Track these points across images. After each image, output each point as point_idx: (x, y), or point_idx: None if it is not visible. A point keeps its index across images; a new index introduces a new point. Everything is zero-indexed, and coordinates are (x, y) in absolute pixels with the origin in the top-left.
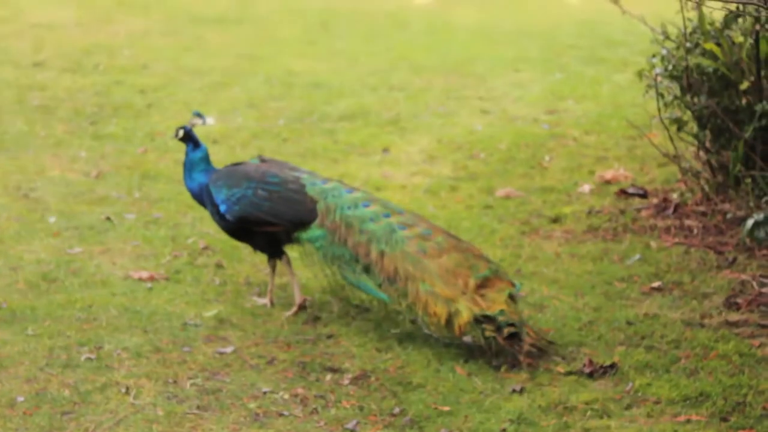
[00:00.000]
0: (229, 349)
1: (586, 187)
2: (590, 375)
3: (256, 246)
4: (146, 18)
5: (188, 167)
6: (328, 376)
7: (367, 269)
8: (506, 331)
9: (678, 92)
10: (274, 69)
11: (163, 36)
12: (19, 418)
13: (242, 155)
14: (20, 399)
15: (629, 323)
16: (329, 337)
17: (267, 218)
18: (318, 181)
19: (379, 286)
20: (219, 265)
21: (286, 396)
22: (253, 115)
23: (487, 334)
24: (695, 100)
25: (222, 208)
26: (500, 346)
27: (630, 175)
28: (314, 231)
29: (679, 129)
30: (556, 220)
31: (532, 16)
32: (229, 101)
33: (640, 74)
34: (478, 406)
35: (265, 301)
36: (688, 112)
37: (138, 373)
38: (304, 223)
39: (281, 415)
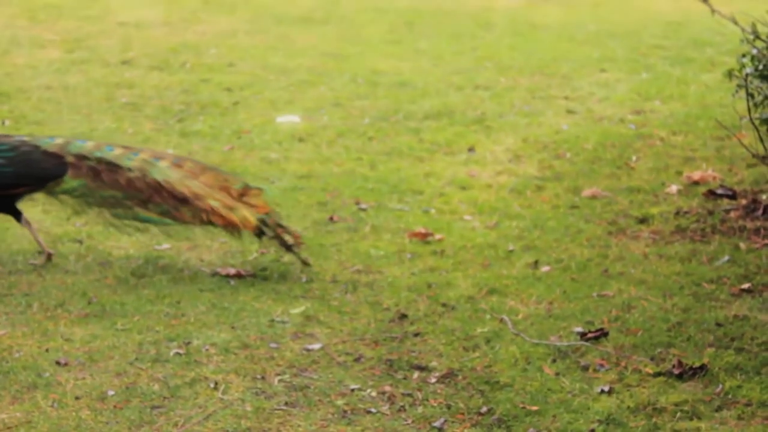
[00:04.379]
0: (316, 346)
1: (673, 188)
2: (679, 376)
3: None
4: (232, 17)
5: None
6: (416, 374)
7: (145, 202)
8: (279, 231)
9: None
10: (359, 68)
11: (249, 35)
12: (109, 411)
13: (328, 154)
14: (111, 392)
15: (719, 325)
16: (416, 335)
17: (13, 182)
18: (46, 138)
19: (162, 213)
20: (305, 263)
21: (374, 393)
22: (338, 113)
23: (270, 234)
24: None
25: None
26: (282, 244)
27: (718, 176)
28: (70, 183)
29: None
30: (643, 220)
31: (617, 16)
32: (315, 100)
33: (729, 74)
34: (566, 406)
35: (41, 260)
36: None
37: (226, 368)
38: (54, 178)
39: (369, 412)
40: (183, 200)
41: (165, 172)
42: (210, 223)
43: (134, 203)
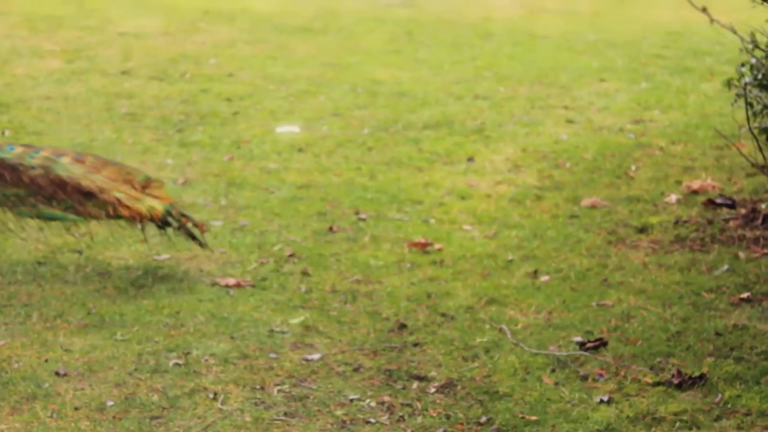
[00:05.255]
0: (315, 356)
1: (672, 197)
2: (679, 386)
3: None
4: (232, 27)
5: None
6: (415, 384)
7: (49, 199)
8: (184, 220)
9: (767, 102)
10: (358, 78)
11: (248, 45)
12: (108, 422)
13: (327, 164)
14: (110, 403)
15: (718, 334)
16: (415, 345)
17: None
18: None
19: (66, 209)
20: (305, 273)
21: (373, 404)
22: (338, 123)
23: (175, 225)
24: None
25: None
26: (188, 232)
27: (717, 185)
28: None
29: None
30: (642, 230)
31: (616, 26)
32: (314, 110)
33: (728, 83)
34: (565, 416)
35: None
36: None
37: (225, 379)
38: None
39: (368, 422)
40: (88, 194)
41: (68, 168)
42: (117, 216)
43: (38, 200)
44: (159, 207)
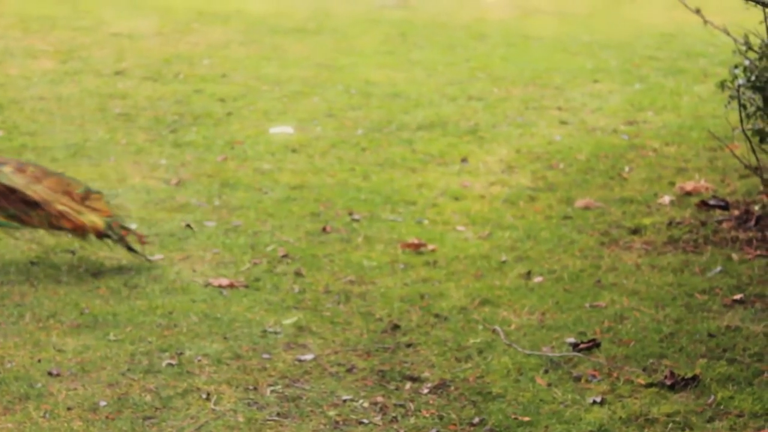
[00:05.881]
0: (308, 357)
1: (666, 199)
2: (671, 387)
3: None
4: (226, 28)
5: None
6: (408, 385)
7: None
8: (124, 233)
9: (761, 103)
10: (352, 79)
11: (242, 46)
12: (101, 422)
13: (321, 164)
14: (103, 403)
15: (711, 335)
16: (408, 345)
17: None
18: None
19: (9, 217)
20: (298, 273)
21: (366, 404)
22: (331, 124)
23: (115, 237)
24: None
25: None
26: (127, 245)
27: (711, 187)
28: None
29: (761, 140)
30: (636, 231)
31: (610, 27)
32: (308, 111)
33: (721, 85)
34: (558, 417)
35: None
36: None
37: (218, 379)
38: None
39: (361, 423)
40: (32, 204)
41: (10, 178)
42: (59, 227)
43: None
44: (99, 222)
